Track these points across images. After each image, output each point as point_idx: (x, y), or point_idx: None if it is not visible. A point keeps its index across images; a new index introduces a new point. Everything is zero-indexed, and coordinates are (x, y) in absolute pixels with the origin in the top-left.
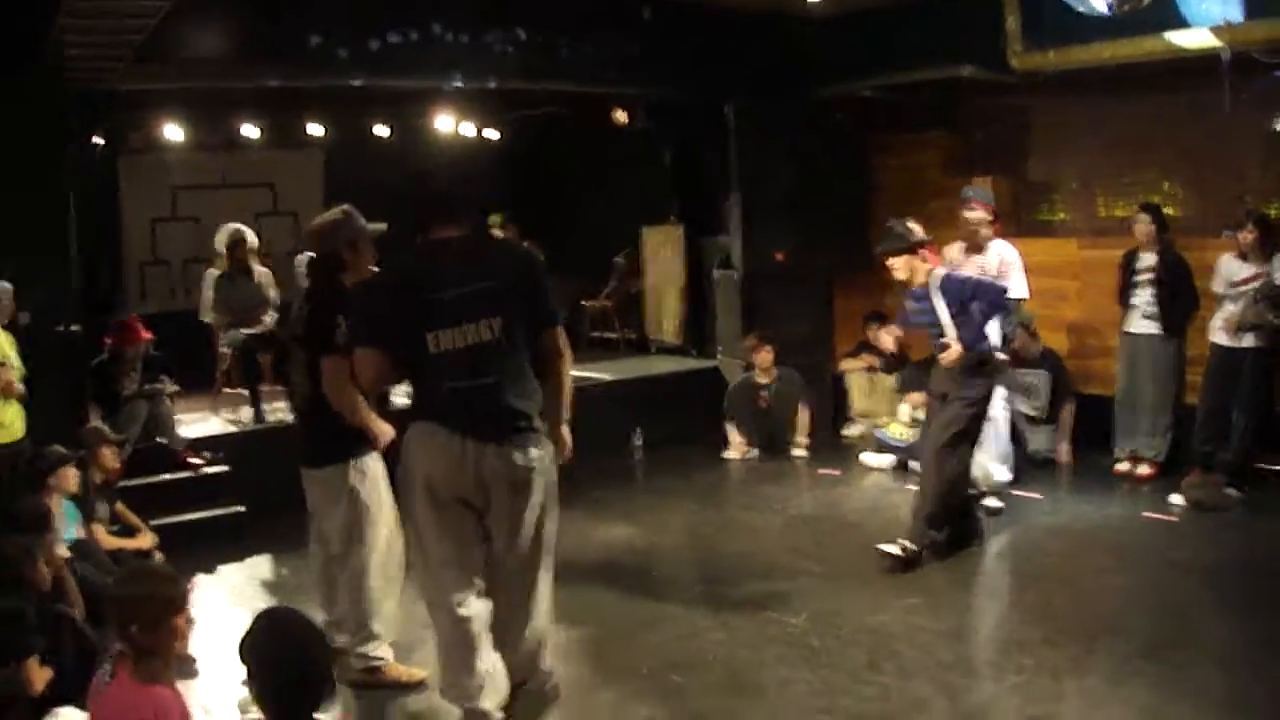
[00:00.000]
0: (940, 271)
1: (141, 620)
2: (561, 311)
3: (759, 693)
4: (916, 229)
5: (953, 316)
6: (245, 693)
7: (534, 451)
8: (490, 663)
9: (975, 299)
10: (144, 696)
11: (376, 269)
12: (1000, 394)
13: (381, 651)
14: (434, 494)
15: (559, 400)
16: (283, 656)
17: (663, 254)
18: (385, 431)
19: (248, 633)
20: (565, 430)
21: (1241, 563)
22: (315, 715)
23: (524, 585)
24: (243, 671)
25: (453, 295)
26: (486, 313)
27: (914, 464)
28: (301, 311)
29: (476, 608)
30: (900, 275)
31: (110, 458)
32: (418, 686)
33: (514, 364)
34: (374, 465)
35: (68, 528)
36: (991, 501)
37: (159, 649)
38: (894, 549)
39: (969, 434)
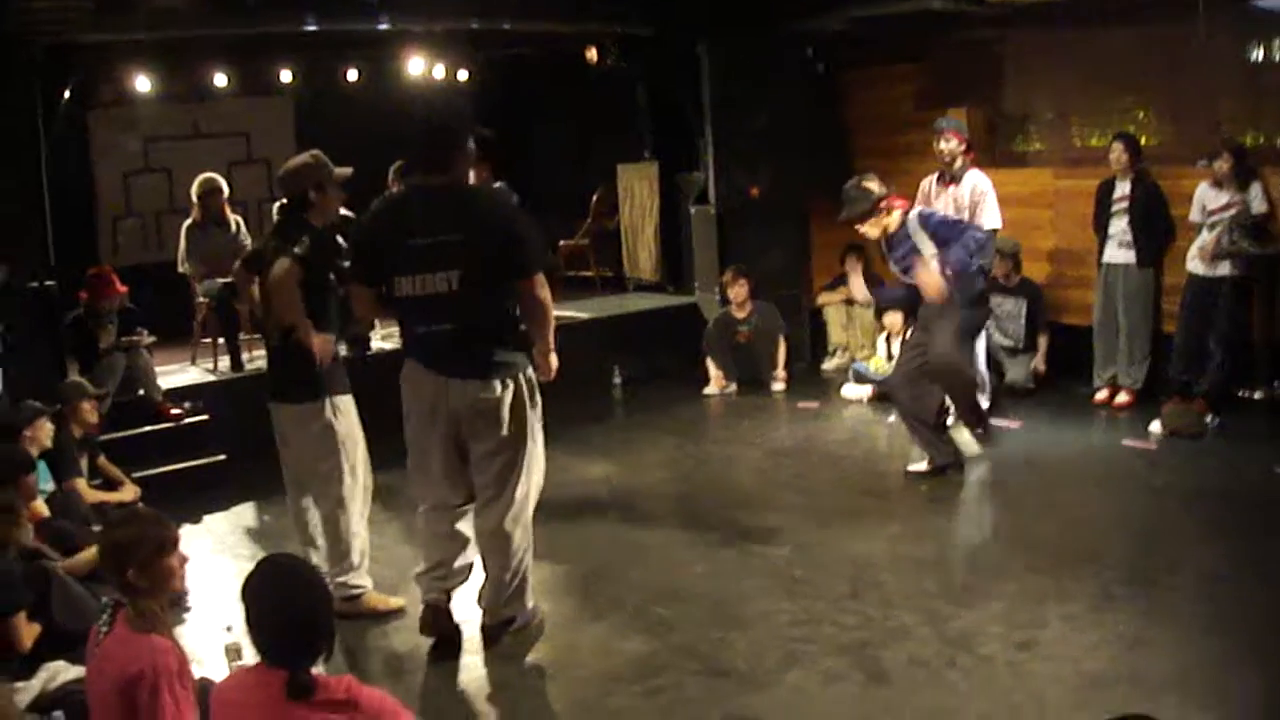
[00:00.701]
0: (917, 209)
1: (137, 562)
2: (542, 260)
3: (743, 624)
4: (873, 186)
5: (938, 247)
6: (232, 639)
7: (498, 385)
8: (456, 564)
9: (956, 239)
10: (142, 645)
11: (346, 212)
12: None
13: (360, 580)
14: (421, 423)
15: (542, 335)
16: (282, 606)
17: (638, 191)
18: (319, 344)
19: (248, 580)
20: (551, 356)
21: (1220, 489)
22: (313, 667)
23: (499, 514)
24: (239, 618)
25: (415, 245)
26: (445, 265)
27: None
28: (278, 250)
29: (451, 521)
30: (873, 234)
31: (89, 412)
32: (396, 614)
33: (477, 314)
34: (348, 401)
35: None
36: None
37: (155, 591)
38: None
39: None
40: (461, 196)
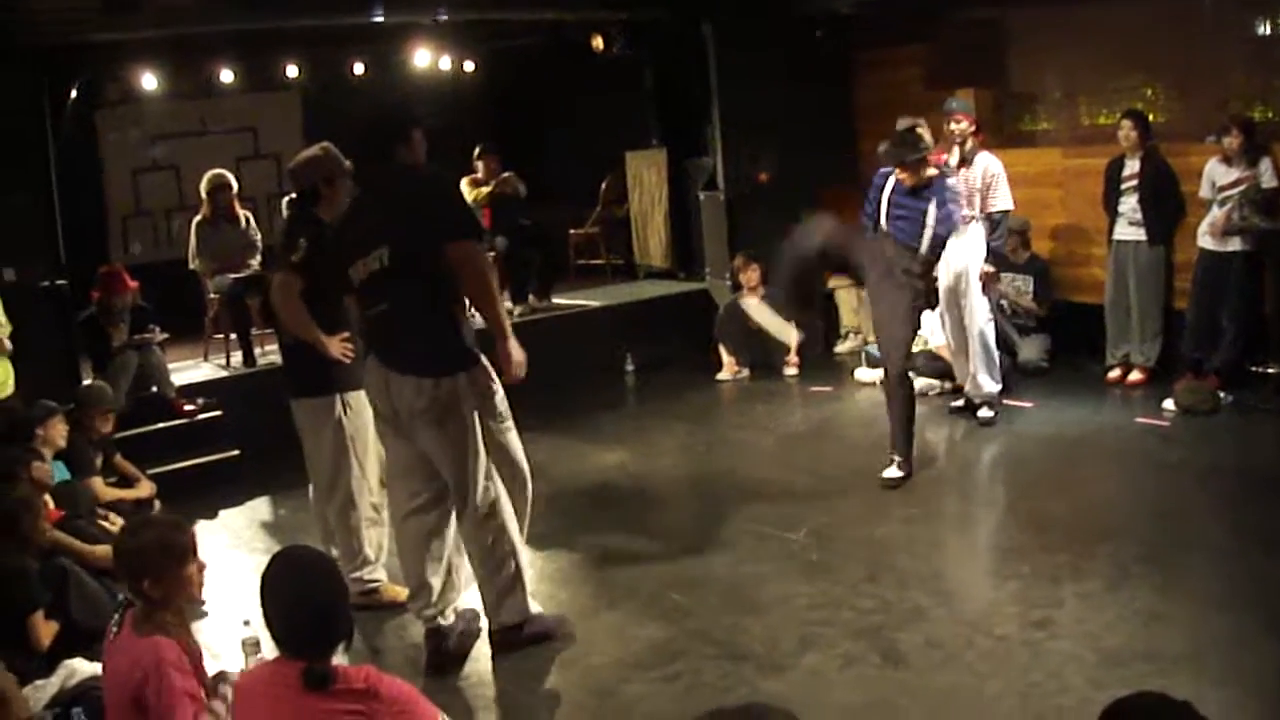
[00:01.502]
0: (943, 177)
1: (152, 572)
2: (470, 228)
3: (759, 608)
4: (927, 136)
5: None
6: (250, 633)
7: (430, 384)
8: (439, 583)
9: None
10: (143, 648)
11: None
12: (986, 305)
13: (376, 574)
14: (379, 417)
15: (487, 314)
16: (299, 596)
17: (646, 178)
18: (332, 344)
19: (265, 572)
20: (509, 345)
21: (1234, 465)
22: (331, 658)
23: (470, 520)
24: (257, 612)
25: (358, 229)
26: (377, 243)
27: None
28: (284, 250)
29: (414, 524)
30: (909, 181)
31: (103, 422)
32: None
33: (409, 291)
34: (360, 398)
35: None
36: (983, 412)
37: (170, 599)
38: (894, 474)
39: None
40: (392, 175)
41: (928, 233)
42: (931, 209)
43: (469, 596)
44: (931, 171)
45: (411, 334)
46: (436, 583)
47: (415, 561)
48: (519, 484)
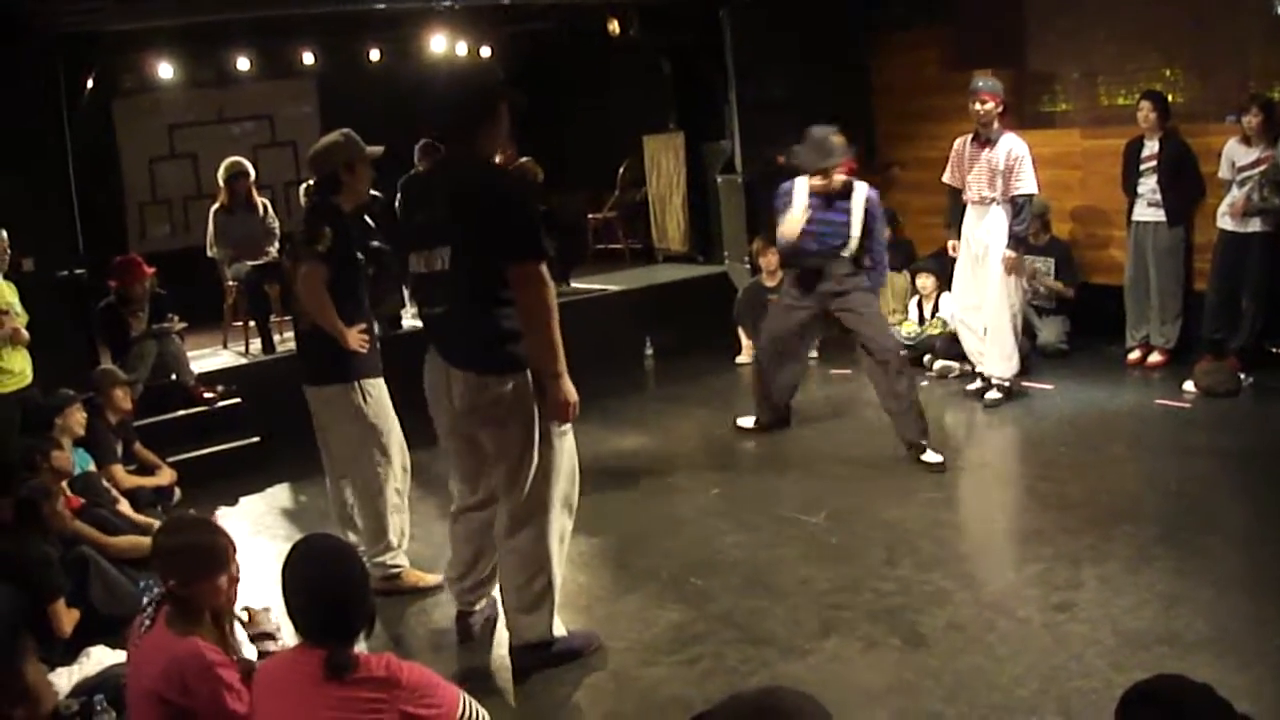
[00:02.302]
0: (865, 188)
1: (179, 574)
2: (533, 248)
3: (779, 592)
4: (843, 143)
5: (862, 233)
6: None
7: (492, 380)
8: (482, 573)
9: (874, 240)
10: (186, 649)
11: (375, 193)
12: (1003, 289)
13: (399, 560)
14: (437, 415)
15: (536, 346)
16: (318, 584)
17: (664, 162)
18: (350, 336)
19: (286, 560)
20: (561, 384)
21: (1255, 446)
22: (352, 646)
23: (506, 524)
24: (279, 600)
25: (417, 221)
26: (437, 242)
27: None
28: (305, 242)
29: (469, 518)
30: (819, 186)
31: (122, 398)
32: (435, 590)
33: (469, 296)
34: (378, 385)
35: (76, 471)
36: (990, 394)
37: (197, 604)
38: (935, 457)
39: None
40: (462, 170)
41: (853, 240)
42: (855, 222)
43: None
44: (841, 177)
45: (472, 331)
46: (483, 569)
47: (465, 549)
48: (562, 497)
